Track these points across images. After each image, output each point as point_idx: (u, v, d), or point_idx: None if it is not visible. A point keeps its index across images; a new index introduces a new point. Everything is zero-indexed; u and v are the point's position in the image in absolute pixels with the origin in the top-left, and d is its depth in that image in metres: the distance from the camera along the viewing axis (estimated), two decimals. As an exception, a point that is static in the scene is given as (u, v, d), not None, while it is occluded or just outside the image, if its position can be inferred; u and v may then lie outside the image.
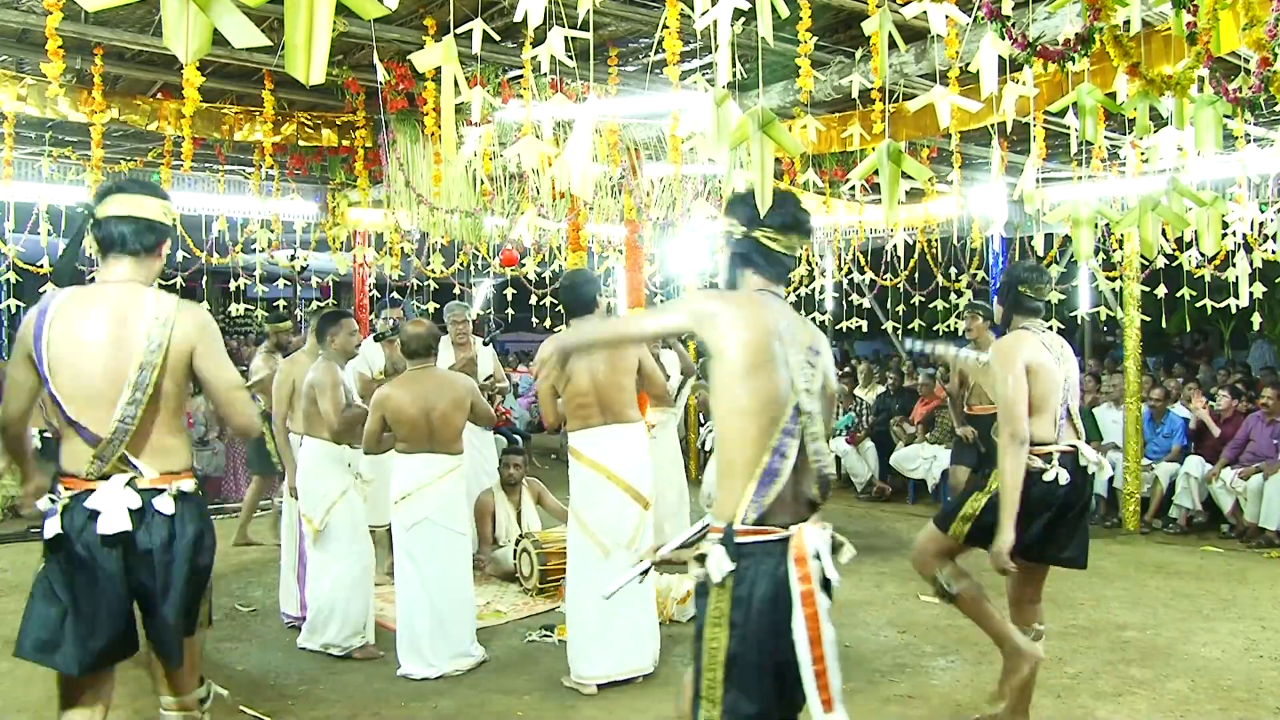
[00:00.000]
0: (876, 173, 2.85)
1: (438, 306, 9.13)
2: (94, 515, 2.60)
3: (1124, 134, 6.47)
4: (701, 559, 2.31)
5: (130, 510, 2.61)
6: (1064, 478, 3.56)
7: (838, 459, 10.23)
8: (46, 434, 6.66)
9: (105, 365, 2.64)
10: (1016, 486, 3.45)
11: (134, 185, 2.87)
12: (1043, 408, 3.60)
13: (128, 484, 2.64)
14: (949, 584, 3.69)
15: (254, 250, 9.01)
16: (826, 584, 2.29)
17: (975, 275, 9.45)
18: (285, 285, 12.29)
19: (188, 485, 2.72)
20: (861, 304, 10.89)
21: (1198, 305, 7.98)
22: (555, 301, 11.21)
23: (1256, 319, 8.12)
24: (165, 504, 2.65)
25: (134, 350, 2.64)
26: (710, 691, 2.25)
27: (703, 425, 10.15)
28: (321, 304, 10.24)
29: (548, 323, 11.30)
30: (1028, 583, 3.80)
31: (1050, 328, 8.79)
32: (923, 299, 10.36)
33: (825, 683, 2.20)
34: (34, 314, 2.72)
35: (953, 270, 9.83)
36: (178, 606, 2.67)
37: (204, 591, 2.82)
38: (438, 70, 2.85)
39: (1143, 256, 7.01)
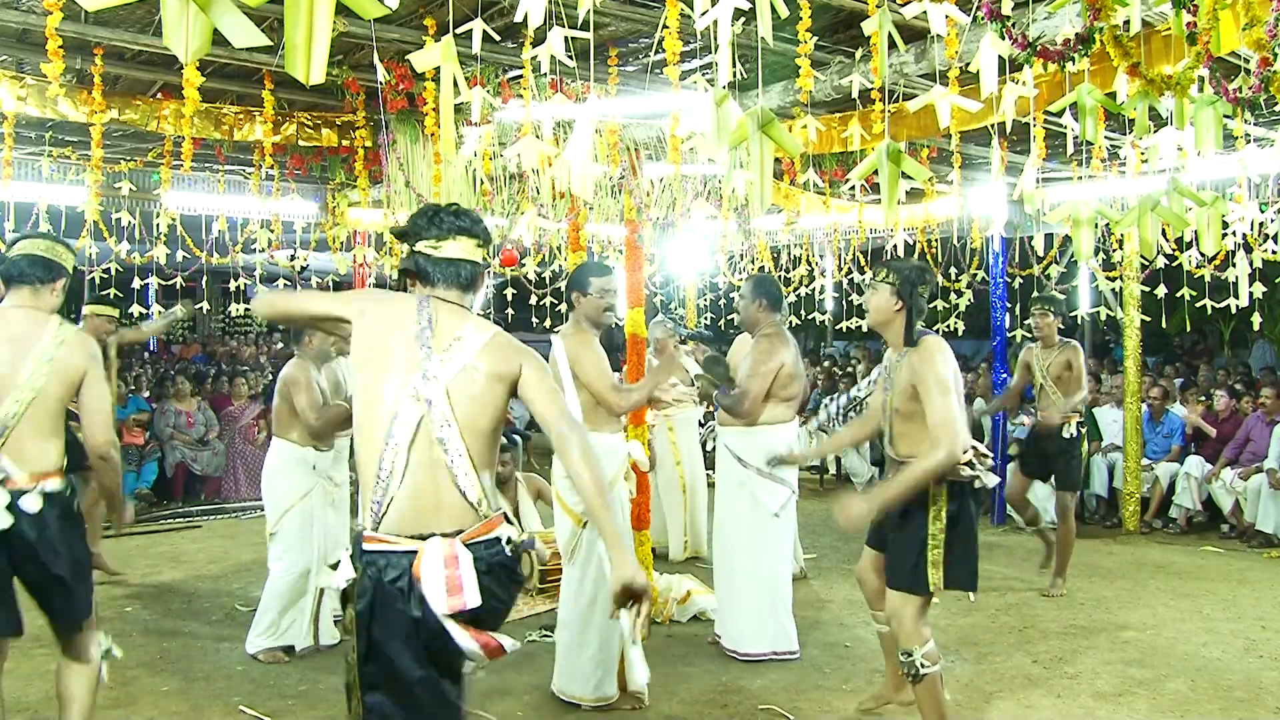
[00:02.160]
0: (876, 173, 2.85)
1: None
2: None
3: (1124, 134, 6.47)
4: (335, 564, 2.29)
5: (6, 507, 2.94)
6: (992, 480, 3.47)
7: (837, 459, 10.24)
8: None
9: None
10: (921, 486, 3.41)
11: (41, 235, 3.34)
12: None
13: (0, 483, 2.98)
14: (922, 665, 3.48)
15: (254, 250, 9.01)
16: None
17: (975, 275, 9.45)
18: (285, 285, 12.28)
19: (53, 485, 3.04)
20: (861, 304, 10.88)
21: (1198, 305, 7.98)
22: (555, 301, 11.22)
23: (1256, 319, 8.12)
24: (31, 503, 2.98)
25: (25, 363, 3.01)
26: (352, 691, 2.27)
27: (702, 425, 10.14)
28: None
29: (548, 322, 11.31)
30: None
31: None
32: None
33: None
34: None
35: (953, 270, 9.83)
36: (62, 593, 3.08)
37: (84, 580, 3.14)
38: (438, 70, 2.85)
39: (1143, 256, 7.01)
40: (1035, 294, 6.85)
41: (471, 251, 2.49)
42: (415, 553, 2.19)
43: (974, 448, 3.47)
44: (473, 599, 2.16)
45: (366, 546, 2.23)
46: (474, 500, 2.26)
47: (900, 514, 3.54)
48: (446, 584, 2.15)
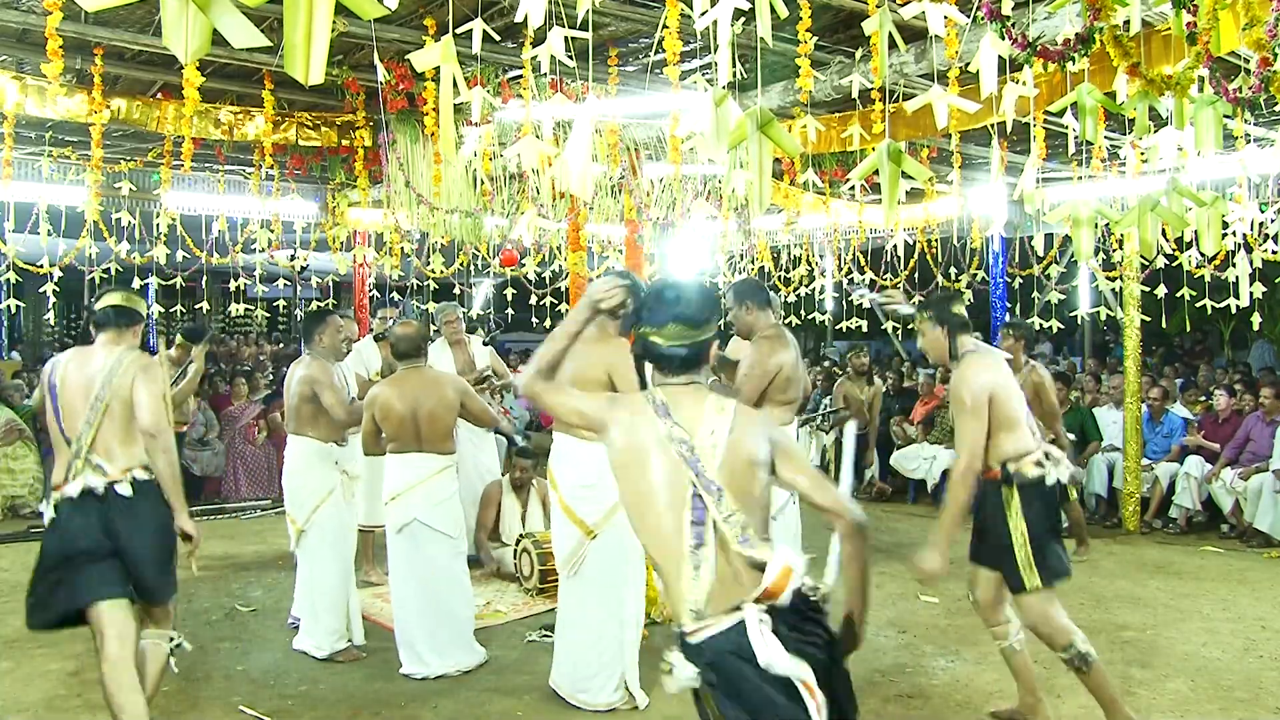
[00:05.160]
0: (876, 173, 2.85)
1: (438, 306, 9.15)
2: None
3: (1124, 134, 6.47)
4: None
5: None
6: (1062, 475, 3.75)
7: (838, 464, 10.24)
8: None
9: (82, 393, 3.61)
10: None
11: (118, 288, 3.89)
12: (1017, 421, 3.76)
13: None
14: (1086, 651, 3.68)
15: (254, 250, 9.00)
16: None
17: (975, 275, 9.45)
18: (285, 285, 12.27)
19: (141, 475, 3.57)
20: (861, 304, 10.88)
21: (1198, 305, 7.98)
22: (555, 301, 11.22)
23: (1256, 319, 8.11)
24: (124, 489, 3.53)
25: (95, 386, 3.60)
26: None
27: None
28: (321, 304, 10.22)
29: (548, 323, 11.30)
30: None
31: (1050, 328, 8.78)
32: (923, 299, 10.34)
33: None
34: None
35: (953, 270, 9.83)
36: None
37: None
38: (438, 70, 2.85)
39: (1143, 256, 7.01)
40: (1035, 294, 6.89)
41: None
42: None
43: (1045, 451, 3.75)
44: None
45: None
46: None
47: (982, 528, 3.86)
48: None
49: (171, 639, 3.73)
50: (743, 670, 2.18)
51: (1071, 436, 6.73)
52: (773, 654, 2.14)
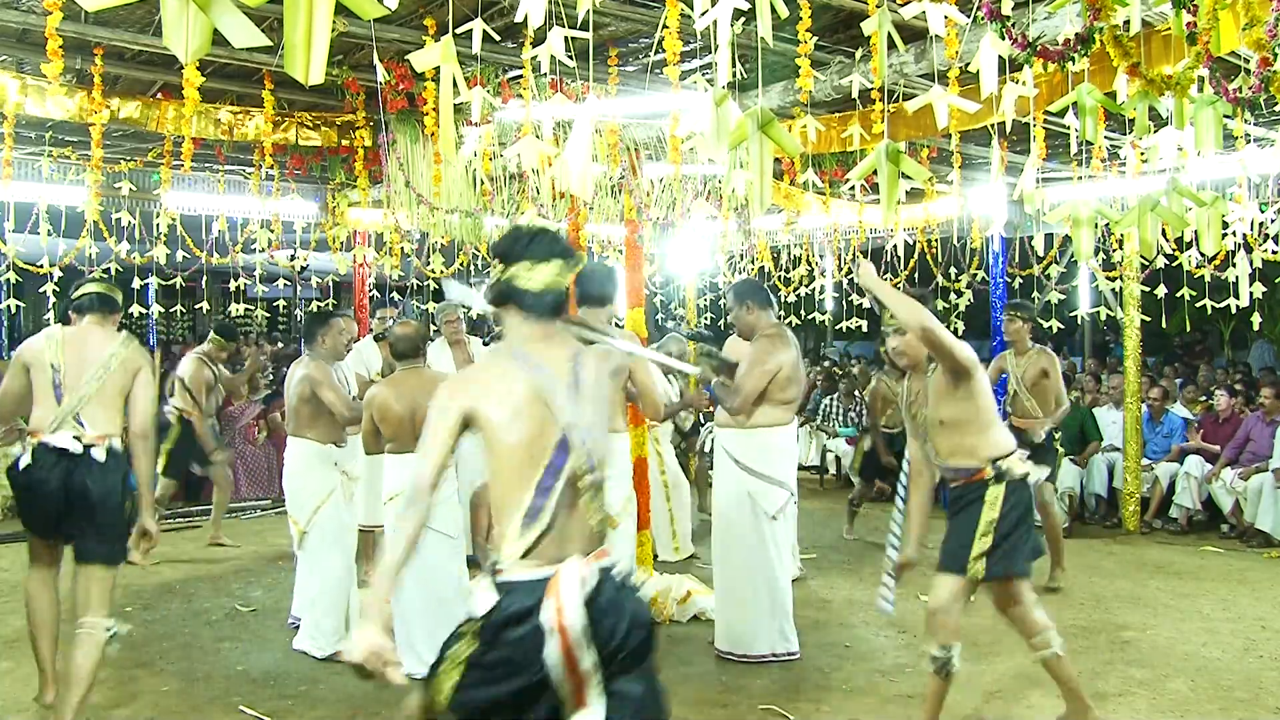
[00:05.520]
0: (876, 173, 2.86)
1: (438, 306, 9.15)
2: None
3: (1124, 134, 6.47)
4: None
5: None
6: (1041, 473, 3.93)
7: (837, 459, 10.22)
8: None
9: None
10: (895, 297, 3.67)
11: (97, 279, 4.29)
12: (997, 417, 3.85)
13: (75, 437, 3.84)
14: (953, 661, 3.65)
15: (254, 250, 9.00)
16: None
17: (975, 275, 9.45)
18: (285, 285, 12.28)
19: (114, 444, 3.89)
20: (861, 304, 10.88)
21: (1198, 305, 7.97)
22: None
23: (1256, 319, 8.11)
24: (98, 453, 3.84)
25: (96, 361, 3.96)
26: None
27: (702, 425, 10.13)
28: (321, 304, 10.22)
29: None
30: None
31: (1050, 328, 8.77)
32: (918, 291, 10.32)
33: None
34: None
35: (953, 270, 9.83)
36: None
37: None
38: (438, 70, 2.85)
39: (1143, 256, 7.01)
40: (1035, 294, 6.89)
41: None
42: None
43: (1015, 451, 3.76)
44: None
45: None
46: None
47: (958, 509, 3.77)
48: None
49: (108, 628, 3.83)
50: (517, 629, 2.20)
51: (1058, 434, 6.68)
52: (573, 614, 2.15)
